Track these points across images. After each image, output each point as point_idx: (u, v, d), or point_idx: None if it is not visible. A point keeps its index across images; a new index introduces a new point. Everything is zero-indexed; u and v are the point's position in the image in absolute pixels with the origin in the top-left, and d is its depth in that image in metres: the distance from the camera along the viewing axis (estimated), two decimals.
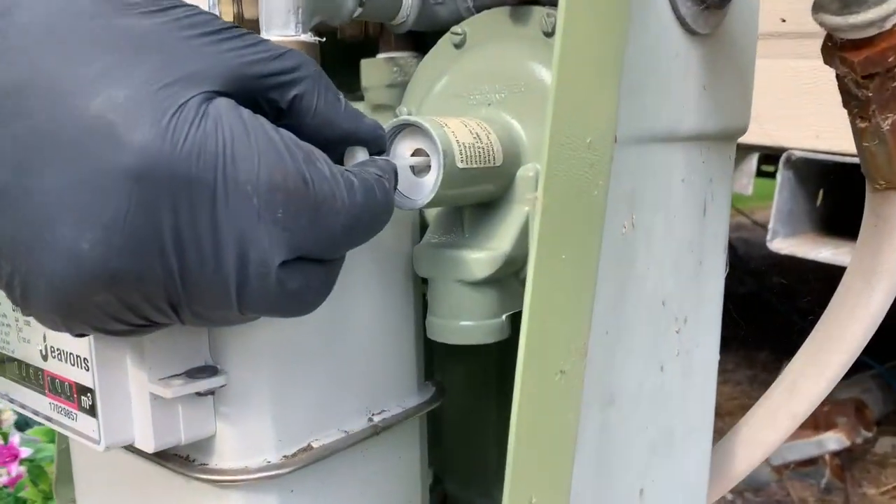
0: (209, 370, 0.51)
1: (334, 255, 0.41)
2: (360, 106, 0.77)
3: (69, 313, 0.37)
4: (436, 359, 0.72)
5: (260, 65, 0.41)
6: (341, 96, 0.45)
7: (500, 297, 0.58)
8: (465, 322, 0.57)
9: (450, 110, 0.63)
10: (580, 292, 0.43)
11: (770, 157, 1.39)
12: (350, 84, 0.83)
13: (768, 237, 1.30)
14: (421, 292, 0.62)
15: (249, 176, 0.37)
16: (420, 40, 0.74)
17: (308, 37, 0.59)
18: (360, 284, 0.57)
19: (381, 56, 0.74)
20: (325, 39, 0.60)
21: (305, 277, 0.40)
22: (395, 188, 0.47)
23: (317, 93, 0.43)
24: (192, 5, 0.41)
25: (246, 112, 0.38)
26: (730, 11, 0.55)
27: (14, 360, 0.54)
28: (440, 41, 0.66)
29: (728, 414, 1.94)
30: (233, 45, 0.40)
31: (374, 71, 0.73)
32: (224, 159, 0.36)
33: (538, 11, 0.60)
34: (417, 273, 0.59)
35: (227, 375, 0.50)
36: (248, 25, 0.70)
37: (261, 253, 0.38)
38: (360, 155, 0.47)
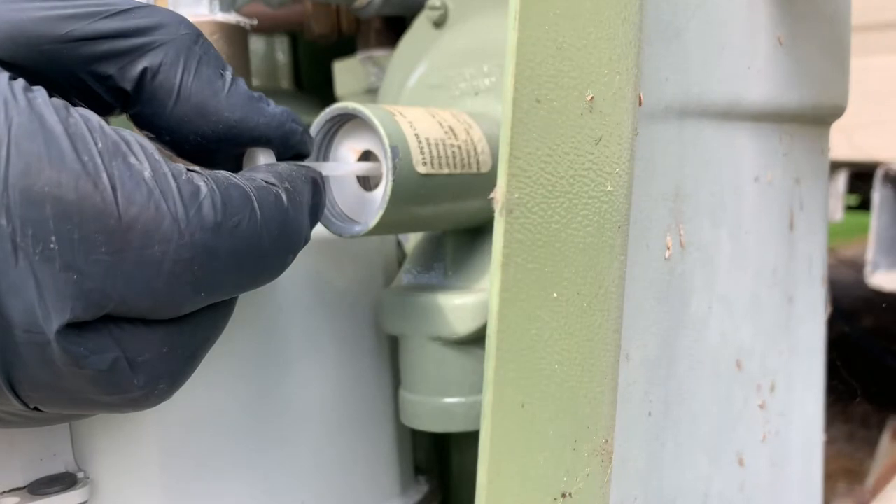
0: (65, 480, 0.35)
1: (173, 309, 0.25)
2: None
3: None
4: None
5: (78, 22, 0.27)
6: (228, 73, 0.30)
7: None
8: (452, 399, 0.40)
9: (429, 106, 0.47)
10: (590, 355, 0.25)
11: (861, 175, 1.17)
12: (333, 100, 0.68)
13: (868, 269, 1.07)
14: None
15: None
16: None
17: (230, 17, 0.44)
18: (306, 349, 0.40)
19: (357, 56, 0.59)
20: (256, 22, 0.45)
21: (125, 348, 0.24)
22: (318, 206, 0.31)
23: (182, 67, 0.29)
24: None
25: (5, 81, 0.24)
26: None
27: None
28: (416, 21, 0.50)
29: (827, 478, 1.69)
30: None
31: (349, 74, 0.58)
32: None
33: None
34: (382, 329, 0.43)
35: (92, 485, 0.34)
36: None
37: (26, 309, 0.22)
38: (263, 159, 0.31)
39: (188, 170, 0.25)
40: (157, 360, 0.26)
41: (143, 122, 0.29)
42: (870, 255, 1.08)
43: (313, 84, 0.73)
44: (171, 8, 0.45)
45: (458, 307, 0.39)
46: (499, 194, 0.22)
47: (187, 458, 0.37)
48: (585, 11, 0.24)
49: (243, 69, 0.45)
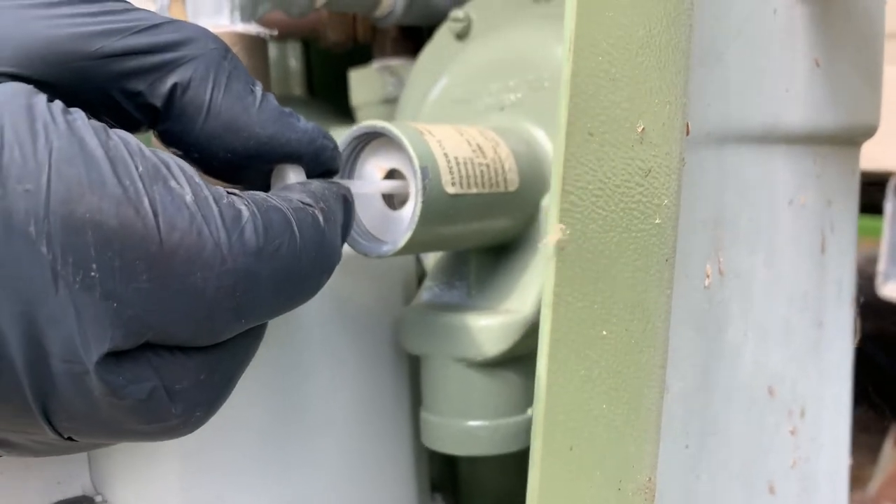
0: None
1: (213, 336, 0.25)
2: None
3: None
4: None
5: (108, 38, 0.26)
6: (258, 88, 0.29)
7: (524, 383, 0.40)
8: (475, 422, 0.39)
9: (452, 121, 0.46)
10: (637, 393, 0.24)
11: (873, 184, 1.17)
12: (346, 108, 0.67)
13: (879, 280, 1.07)
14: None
15: (32, 206, 0.22)
16: (423, 41, 0.58)
17: (251, 27, 0.43)
18: (325, 366, 0.40)
19: (374, 65, 0.58)
20: (276, 32, 0.44)
21: (163, 377, 0.24)
22: (348, 225, 0.30)
23: (212, 82, 0.28)
24: None
25: (44, 103, 0.23)
26: None
27: None
28: (438, 32, 0.50)
29: None
30: (63, 12, 0.26)
31: (365, 84, 0.57)
32: None
33: None
34: (404, 348, 0.42)
35: None
36: None
37: (65, 338, 0.22)
38: (293, 176, 0.31)
39: (228, 192, 0.25)
40: (194, 387, 0.25)
41: (172, 139, 0.29)
42: (881, 266, 1.07)
43: (326, 91, 0.72)
44: (191, 18, 0.44)
45: (484, 328, 0.38)
46: (551, 231, 0.22)
47: (206, 479, 0.36)
48: (638, 40, 0.23)
49: (263, 80, 0.44)
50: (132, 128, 0.28)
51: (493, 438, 0.39)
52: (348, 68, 0.62)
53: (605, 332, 0.23)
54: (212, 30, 0.41)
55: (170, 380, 0.24)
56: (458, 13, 0.47)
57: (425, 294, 0.43)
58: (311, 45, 0.70)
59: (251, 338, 0.28)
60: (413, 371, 0.45)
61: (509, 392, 0.40)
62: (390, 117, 0.56)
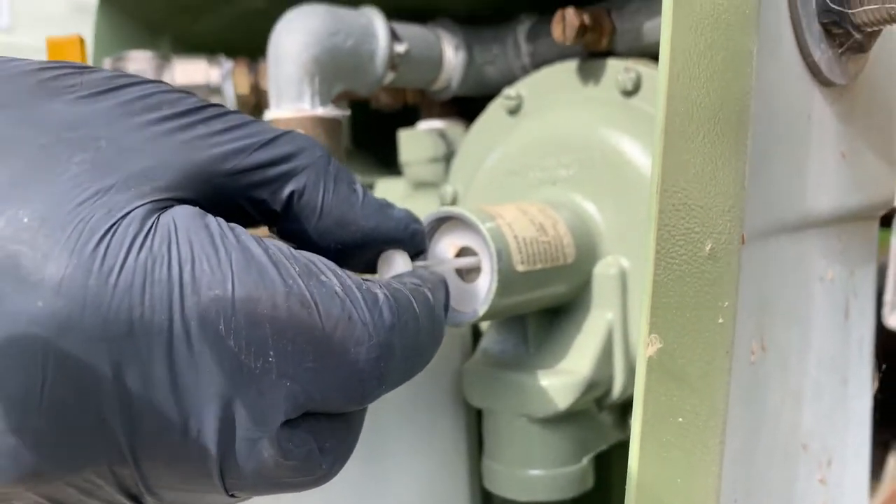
0: None
1: (361, 402, 0.29)
2: (399, 183, 0.66)
3: None
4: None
5: (238, 156, 0.31)
6: (358, 185, 0.34)
7: (579, 435, 0.45)
8: (536, 471, 0.44)
9: (504, 191, 0.51)
10: (705, 467, 0.29)
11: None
12: (387, 158, 0.72)
13: (886, 310, 1.12)
14: (476, 423, 0.49)
15: (221, 308, 0.26)
16: (467, 105, 0.62)
17: (329, 110, 0.47)
18: (394, 420, 0.44)
19: (422, 126, 0.62)
20: (349, 113, 0.48)
21: (317, 439, 0.29)
22: (447, 304, 0.35)
23: (322, 187, 0.33)
24: (156, 82, 0.30)
25: (214, 221, 0.28)
26: (871, 54, 0.41)
27: None
28: (490, 107, 0.54)
29: None
30: (201, 132, 0.30)
31: (414, 143, 0.61)
32: (181, 289, 0.26)
33: (613, 66, 0.48)
34: (469, 402, 0.46)
35: None
36: (264, 97, 0.61)
37: (251, 414, 0.27)
38: (399, 260, 0.35)
39: (363, 279, 0.29)
40: (338, 445, 0.29)
41: (289, 236, 0.33)
42: (888, 296, 1.11)
43: (367, 143, 0.76)
44: (274, 103, 0.49)
45: (548, 388, 0.43)
46: (642, 343, 0.26)
47: None
48: (708, 174, 0.28)
49: (338, 158, 0.48)
50: (250, 226, 0.33)
51: (551, 486, 0.44)
52: (389, 123, 0.67)
53: (681, 419, 0.28)
54: (294, 114, 0.46)
55: (321, 441, 0.29)
56: (510, 91, 0.52)
57: (485, 351, 0.48)
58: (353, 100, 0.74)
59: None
60: (469, 418, 0.50)
61: (566, 444, 0.44)
62: (436, 175, 0.61)
